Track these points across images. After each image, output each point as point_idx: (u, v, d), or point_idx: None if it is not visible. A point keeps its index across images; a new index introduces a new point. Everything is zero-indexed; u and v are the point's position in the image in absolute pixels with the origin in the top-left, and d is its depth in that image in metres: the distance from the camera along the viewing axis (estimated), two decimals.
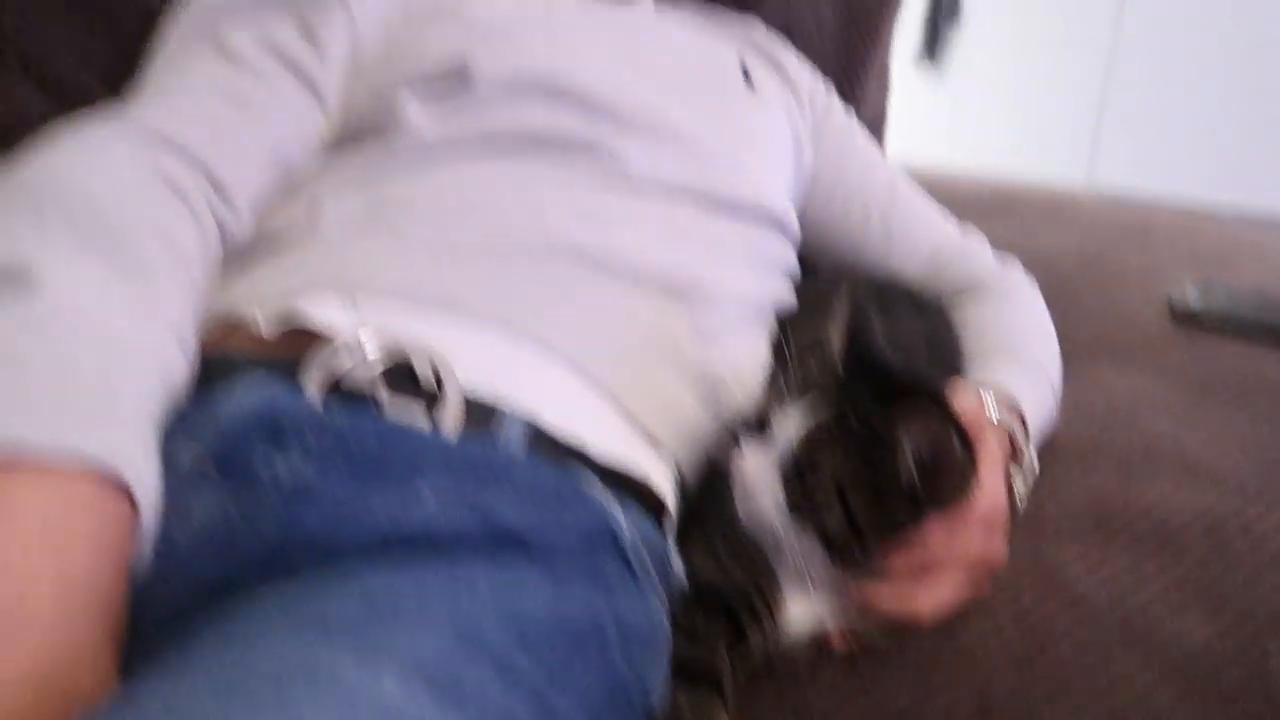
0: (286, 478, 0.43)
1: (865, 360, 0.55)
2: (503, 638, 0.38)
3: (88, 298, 0.46)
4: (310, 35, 0.70)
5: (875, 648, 0.57)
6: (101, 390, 0.43)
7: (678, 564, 0.56)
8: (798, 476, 0.52)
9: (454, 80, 0.69)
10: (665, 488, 0.58)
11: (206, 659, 0.34)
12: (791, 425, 0.53)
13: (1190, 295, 1.02)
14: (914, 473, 0.51)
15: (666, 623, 0.51)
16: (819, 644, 0.57)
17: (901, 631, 0.56)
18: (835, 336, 0.57)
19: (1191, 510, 0.68)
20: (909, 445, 0.51)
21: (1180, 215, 1.37)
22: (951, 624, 0.59)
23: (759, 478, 0.53)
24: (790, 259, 0.84)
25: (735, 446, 0.54)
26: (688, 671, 0.53)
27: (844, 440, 0.52)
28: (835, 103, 0.97)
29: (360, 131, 0.69)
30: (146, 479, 0.41)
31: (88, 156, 0.55)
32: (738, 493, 0.54)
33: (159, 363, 0.47)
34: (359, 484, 0.44)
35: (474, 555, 0.42)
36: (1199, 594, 0.61)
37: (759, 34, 0.95)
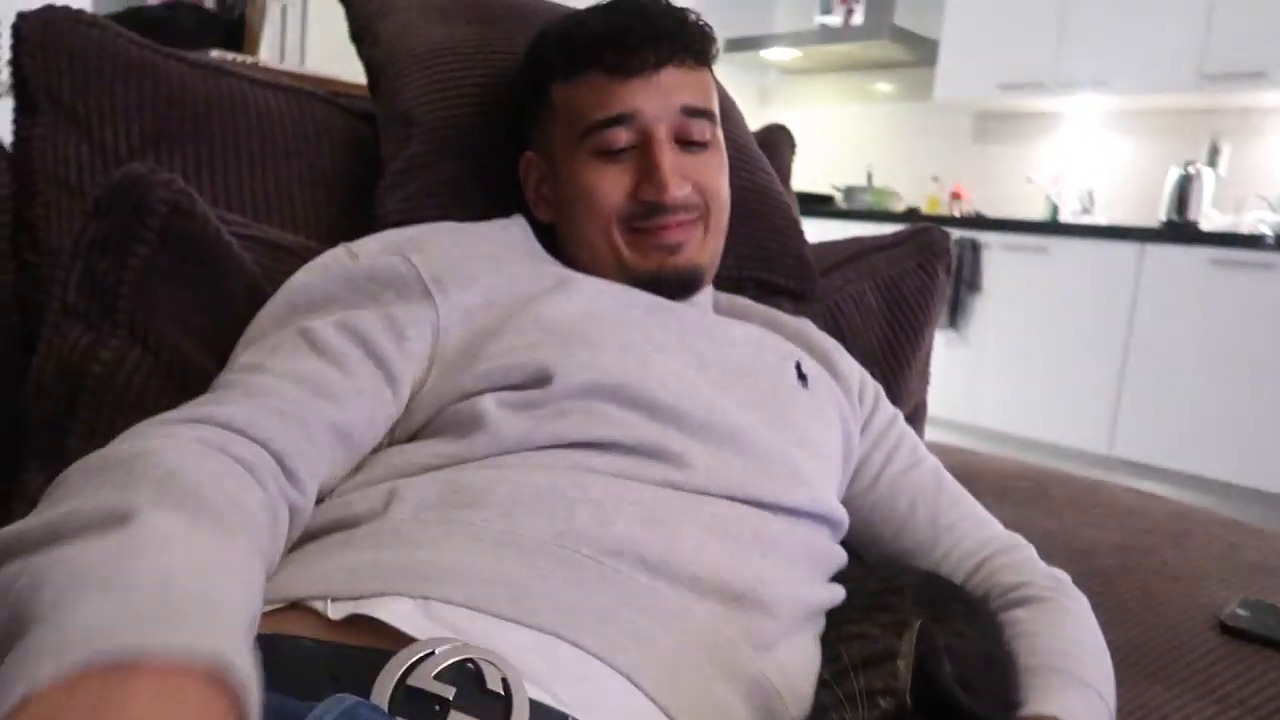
0: None
1: (936, 696, 0.55)
2: None
3: (179, 529, 0.49)
4: (394, 326, 0.75)
5: None
6: (203, 600, 0.44)
7: None
8: None
9: (534, 386, 0.73)
10: None
11: None
12: None
13: (1239, 613, 1.01)
14: None
15: None
16: None
17: None
18: (904, 668, 0.56)
19: None
20: None
21: (1217, 520, 1.38)
22: None
23: None
24: (842, 557, 0.85)
25: None
26: None
27: None
28: (883, 398, 1.01)
29: (443, 426, 0.72)
30: (251, 678, 0.42)
31: (165, 440, 0.58)
32: None
33: (247, 585, 0.49)
34: None
35: None
36: None
37: (813, 333, 1.00)
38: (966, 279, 3.78)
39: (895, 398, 1.07)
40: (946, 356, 3.92)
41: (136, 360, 0.82)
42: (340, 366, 0.71)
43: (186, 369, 0.83)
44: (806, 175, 5.33)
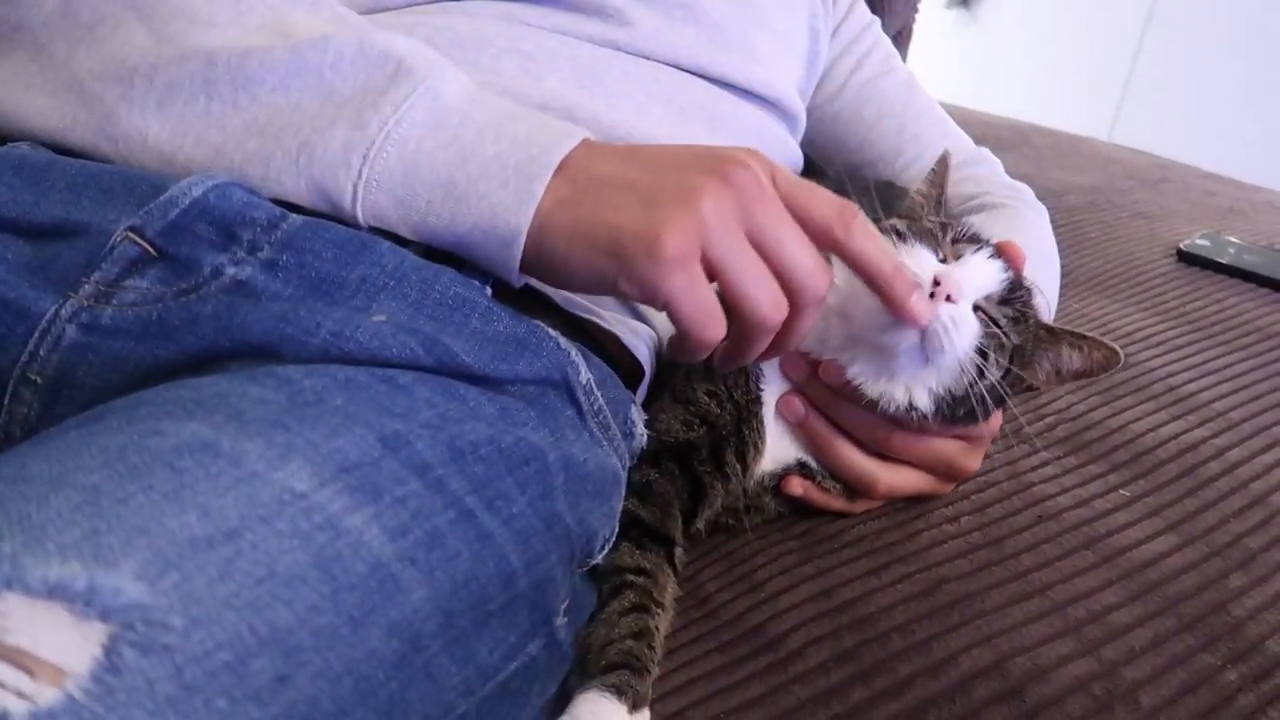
0: (231, 277, 0.41)
1: None
2: (433, 452, 0.36)
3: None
4: None
5: (828, 505, 0.58)
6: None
7: (642, 427, 0.54)
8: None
9: None
10: (642, 351, 0.56)
11: (106, 433, 0.31)
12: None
13: (1199, 243, 0.99)
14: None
15: (622, 478, 0.50)
16: (775, 487, 0.57)
17: (851, 491, 0.57)
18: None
19: (1172, 438, 0.67)
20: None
21: (1196, 172, 1.34)
22: (911, 514, 0.58)
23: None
24: (796, 153, 0.81)
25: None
26: (638, 533, 0.52)
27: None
28: (859, 4, 0.93)
29: None
30: None
31: None
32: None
33: None
34: (308, 297, 0.41)
35: (418, 378, 0.40)
36: (1171, 521, 0.59)
37: None
38: None
39: (876, 8, 0.98)
40: (955, 38, 3.69)
41: None
42: None
43: None
44: None
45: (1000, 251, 0.55)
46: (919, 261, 0.51)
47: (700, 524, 0.55)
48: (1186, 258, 0.98)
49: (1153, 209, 1.15)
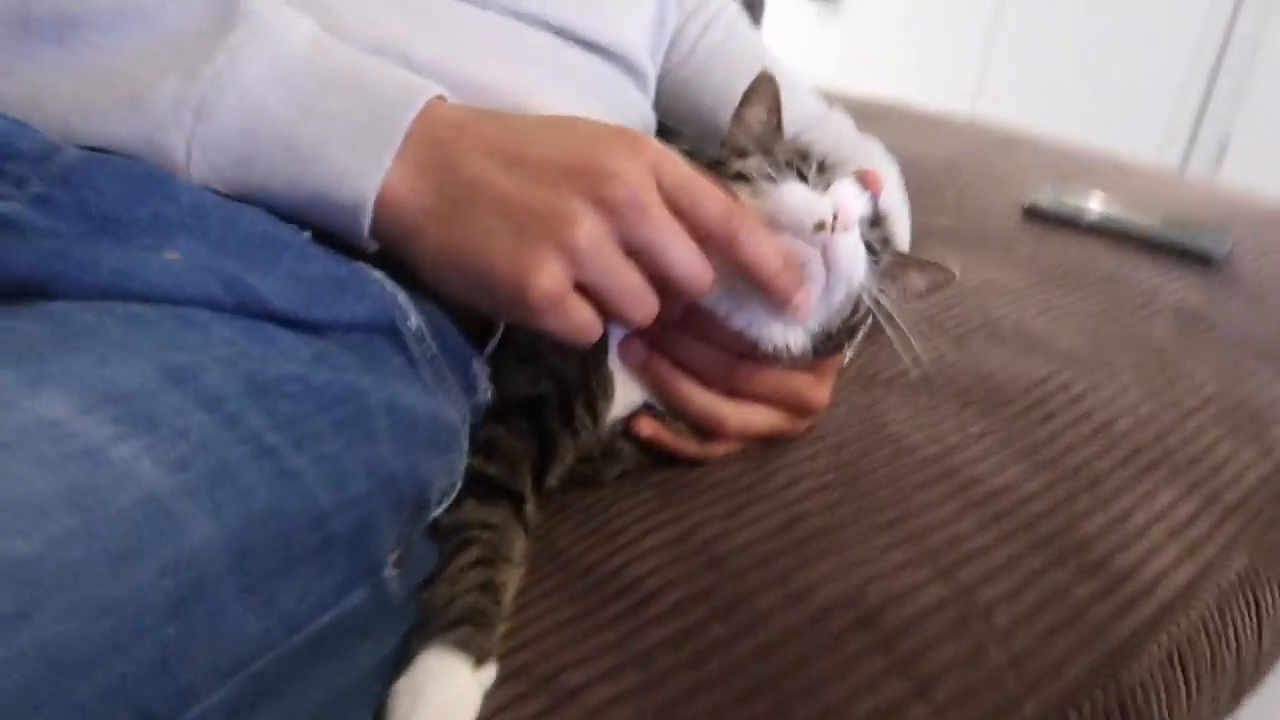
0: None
1: None
2: (228, 386, 0.33)
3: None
4: None
5: (680, 449, 0.56)
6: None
7: (486, 381, 0.51)
8: None
9: None
10: None
11: None
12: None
13: (1043, 197, 1.03)
14: None
15: (462, 429, 0.47)
16: (624, 430, 0.55)
17: (704, 433, 0.56)
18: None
19: (1023, 376, 0.68)
20: None
21: (1048, 137, 1.39)
22: (768, 457, 0.57)
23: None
24: (648, 113, 0.80)
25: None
26: (484, 490, 0.49)
27: None
28: None
29: None
30: None
31: None
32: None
33: None
34: (88, 235, 0.37)
35: (218, 317, 0.37)
36: (1020, 452, 0.60)
37: None
38: None
39: None
40: (820, 26, 3.77)
41: None
42: None
43: None
44: None
45: (861, 178, 0.55)
46: (802, 200, 0.49)
47: (553, 480, 0.53)
48: (1032, 213, 1.02)
49: (1006, 172, 1.18)
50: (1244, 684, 0.56)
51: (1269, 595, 0.55)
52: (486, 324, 0.53)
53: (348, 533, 0.36)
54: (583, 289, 0.42)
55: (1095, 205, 1.02)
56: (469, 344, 0.51)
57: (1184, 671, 0.51)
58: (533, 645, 0.44)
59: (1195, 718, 0.50)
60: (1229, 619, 0.53)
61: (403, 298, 0.45)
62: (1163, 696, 0.49)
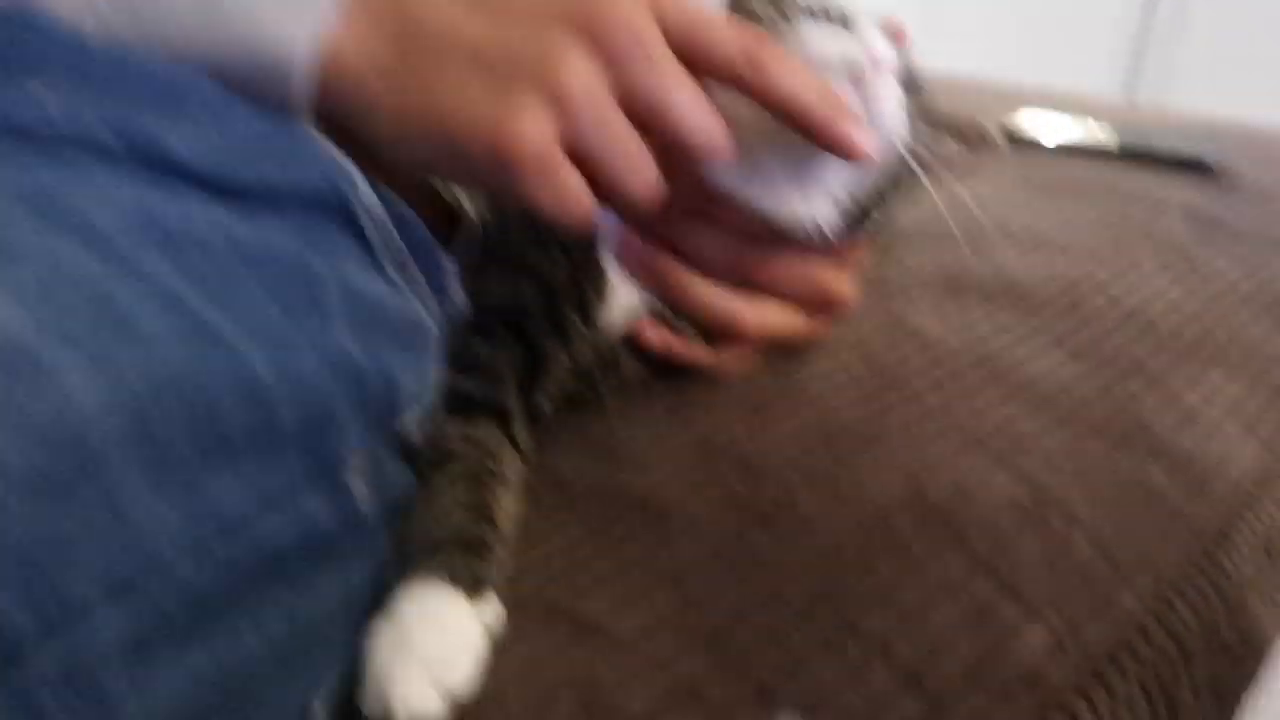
0: None
1: None
2: (118, 224, 0.25)
3: None
4: None
5: (692, 357, 0.47)
6: None
7: (458, 286, 0.43)
8: None
9: None
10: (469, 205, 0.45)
11: None
12: None
13: (1021, 121, 0.99)
14: None
15: (431, 332, 0.39)
16: (628, 339, 0.47)
17: (712, 339, 0.47)
18: None
19: (1044, 273, 0.62)
20: None
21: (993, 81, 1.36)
22: (789, 364, 0.50)
23: None
24: None
25: None
26: (469, 409, 0.41)
27: None
28: None
29: None
30: None
31: None
32: None
33: None
34: None
35: (104, 160, 0.28)
36: (1058, 342, 0.54)
37: None
38: None
39: None
40: None
41: None
42: None
43: None
44: None
45: (885, 28, 0.47)
46: (831, 37, 0.41)
47: (543, 397, 0.45)
48: (1012, 139, 0.97)
49: (965, 109, 1.14)
50: None
51: None
52: (452, 222, 0.45)
53: (296, 420, 0.28)
54: (571, 156, 0.34)
55: (1077, 125, 0.97)
56: (435, 240, 0.43)
57: (1272, 557, 0.45)
58: (538, 570, 0.36)
59: None
60: None
61: (351, 165, 0.36)
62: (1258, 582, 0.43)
